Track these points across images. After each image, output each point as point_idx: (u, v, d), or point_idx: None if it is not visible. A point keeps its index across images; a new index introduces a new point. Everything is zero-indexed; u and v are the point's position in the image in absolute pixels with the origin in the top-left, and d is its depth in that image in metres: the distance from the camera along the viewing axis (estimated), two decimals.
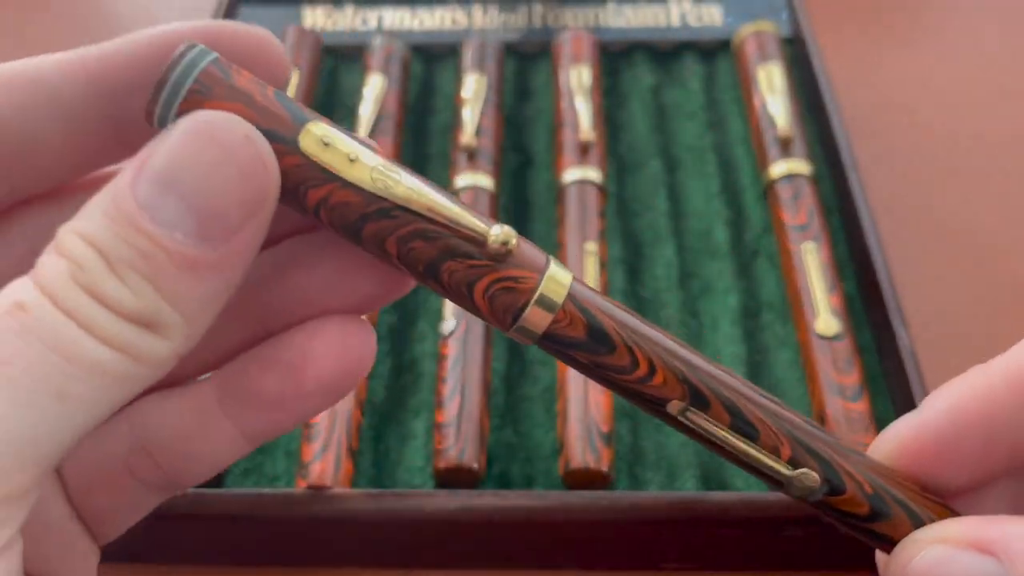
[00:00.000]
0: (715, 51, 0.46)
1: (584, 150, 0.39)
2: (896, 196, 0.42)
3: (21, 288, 0.15)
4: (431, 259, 0.18)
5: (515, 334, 0.18)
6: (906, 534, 0.18)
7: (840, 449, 0.19)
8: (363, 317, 0.19)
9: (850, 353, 0.32)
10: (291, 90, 0.42)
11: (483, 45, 0.44)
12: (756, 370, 0.34)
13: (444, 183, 0.40)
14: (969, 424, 0.18)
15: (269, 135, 0.17)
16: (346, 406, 0.31)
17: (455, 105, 0.42)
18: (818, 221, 0.36)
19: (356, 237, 0.18)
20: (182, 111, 0.17)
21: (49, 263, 0.15)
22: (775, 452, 0.19)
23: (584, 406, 0.31)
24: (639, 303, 0.36)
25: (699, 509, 0.28)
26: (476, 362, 0.32)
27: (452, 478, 0.30)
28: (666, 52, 0.46)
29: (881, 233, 0.37)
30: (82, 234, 0.15)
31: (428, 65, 0.46)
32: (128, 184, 0.15)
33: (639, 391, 0.19)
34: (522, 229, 0.39)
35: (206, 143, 0.16)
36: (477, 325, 0.33)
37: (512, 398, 0.33)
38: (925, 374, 0.32)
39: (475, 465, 0.30)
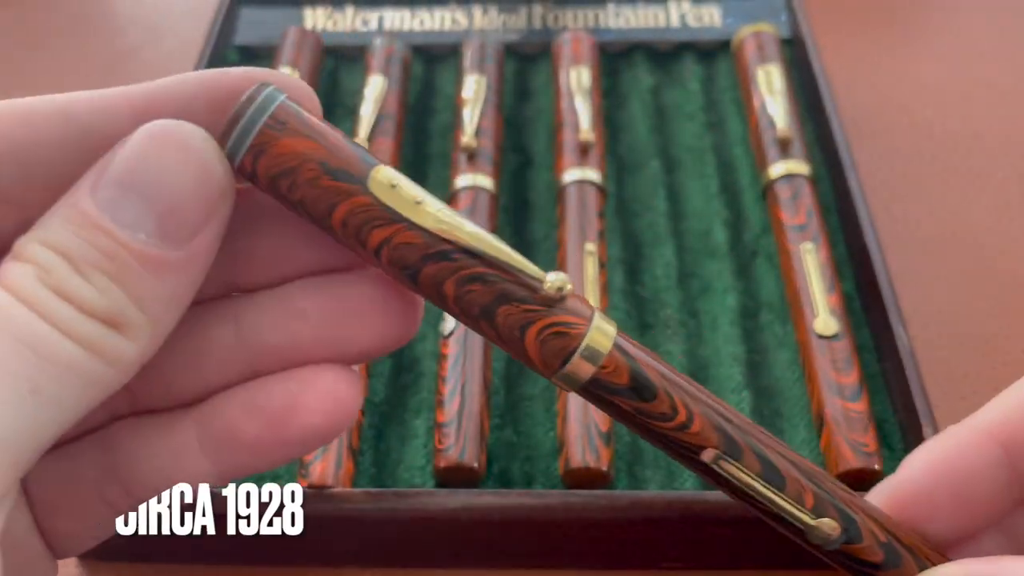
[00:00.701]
0: (714, 52, 0.46)
1: (584, 151, 0.39)
2: (895, 196, 0.42)
3: None
4: (488, 302, 0.18)
5: (559, 380, 0.19)
6: None
7: (854, 499, 0.20)
8: (354, 367, 0.19)
9: (849, 353, 0.32)
10: None
11: (483, 46, 0.44)
12: (755, 370, 0.34)
13: (444, 183, 0.40)
14: (940, 482, 0.19)
15: (340, 175, 0.17)
16: None
17: (455, 106, 0.42)
18: (817, 221, 0.36)
19: (414, 279, 0.18)
20: (255, 146, 0.17)
21: (13, 269, 0.15)
22: (799, 501, 0.19)
23: (584, 405, 0.31)
24: (639, 303, 0.36)
25: (698, 508, 0.28)
26: (476, 361, 0.32)
27: (452, 477, 0.30)
28: (666, 53, 0.46)
29: (880, 233, 0.37)
30: (43, 240, 0.15)
31: (428, 66, 0.46)
32: (87, 189, 0.16)
33: (678, 439, 0.19)
34: (522, 229, 0.39)
35: (165, 146, 0.16)
36: None
37: (512, 397, 0.34)
38: (924, 373, 0.32)
39: (475, 464, 0.30)
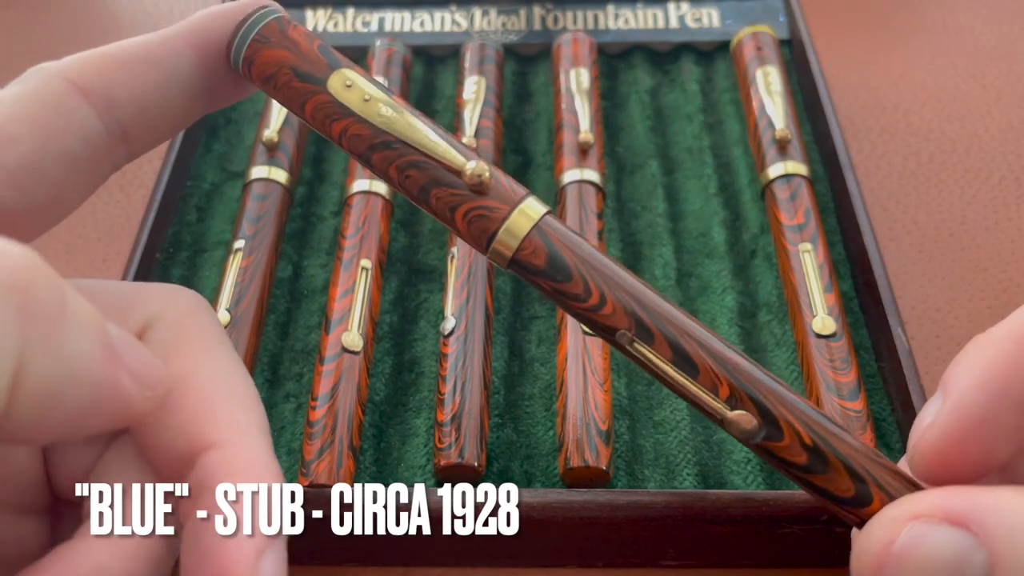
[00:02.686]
0: (713, 53, 0.46)
1: (583, 151, 0.39)
2: (892, 196, 0.42)
3: None
4: (422, 185, 0.21)
5: (491, 257, 0.21)
6: (846, 492, 0.19)
7: (790, 401, 0.20)
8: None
9: (847, 352, 0.33)
10: None
11: (483, 47, 0.44)
12: None
13: None
14: (1005, 392, 0.17)
15: (307, 77, 0.22)
16: (348, 404, 0.31)
17: (455, 106, 0.42)
18: (815, 221, 0.36)
19: (368, 163, 0.22)
20: (247, 57, 0.22)
21: None
22: (713, 391, 0.20)
23: (583, 405, 0.31)
24: None
25: (697, 507, 0.28)
26: (476, 361, 0.32)
27: (453, 476, 0.30)
28: (664, 54, 0.46)
29: (877, 233, 0.37)
30: None
31: (429, 67, 0.46)
32: None
33: (592, 319, 0.21)
34: None
35: None
36: (478, 325, 0.33)
37: (512, 396, 0.34)
38: (921, 373, 0.32)
39: (476, 463, 0.30)
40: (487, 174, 0.21)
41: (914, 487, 0.19)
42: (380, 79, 0.42)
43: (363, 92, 0.22)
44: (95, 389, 0.16)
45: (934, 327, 0.37)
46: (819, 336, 0.33)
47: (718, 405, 0.20)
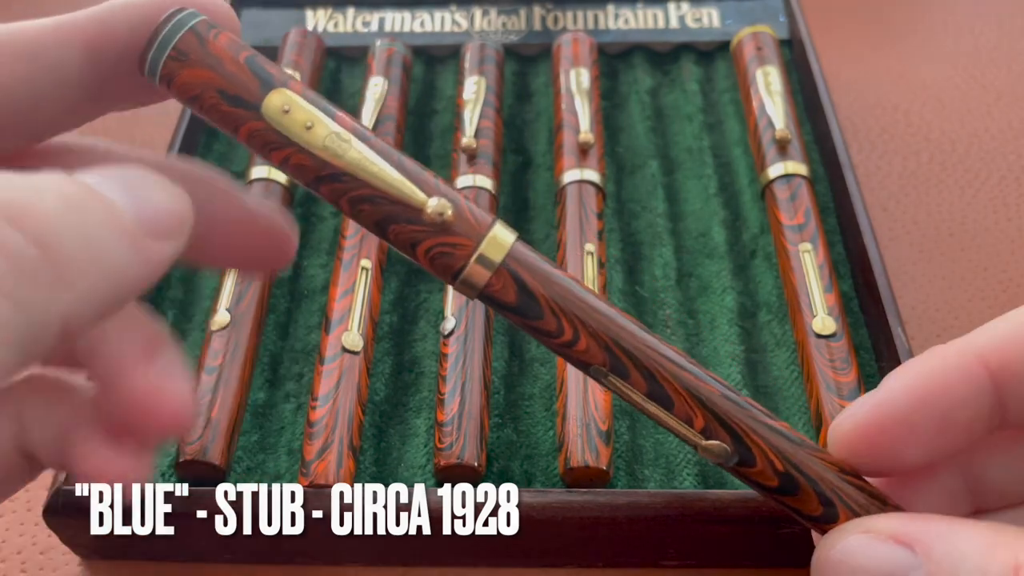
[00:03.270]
0: (713, 53, 0.46)
1: (583, 151, 0.39)
2: (892, 196, 0.42)
3: None
4: (378, 221, 0.20)
5: (459, 289, 0.20)
6: (815, 511, 0.20)
7: (762, 429, 0.20)
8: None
9: (847, 352, 0.33)
10: None
11: (483, 47, 0.44)
12: (753, 369, 0.34)
13: None
14: (927, 402, 0.19)
15: (236, 101, 0.19)
16: (348, 405, 0.31)
17: (456, 107, 0.42)
18: (815, 221, 0.36)
19: (317, 192, 0.20)
20: (164, 76, 0.19)
21: None
22: (688, 422, 0.20)
23: (583, 404, 0.31)
24: (638, 303, 0.37)
25: (697, 507, 0.28)
26: (476, 361, 0.32)
27: (453, 476, 0.30)
28: (664, 54, 0.46)
29: (877, 233, 0.37)
30: None
31: (429, 67, 0.46)
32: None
33: (566, 354, 0.20)
34: (522, 229, 0.39)
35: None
36: (478, 325, 0.33)
37: (512, 396, 0.34)
38: None
39: (476, 463, 0.30)
40: (450, 211, 0.19)
41: (881, 504, 0.20)
42: (380, 79, 0.42)
43: (305, 117, 0.19)
44: (127, 278, 0.16)
45: (934, 327, 0.37)
46: (819, 336, 0.33)
47: (692, 436, 0.20)
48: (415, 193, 0.19)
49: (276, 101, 0.19)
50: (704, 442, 0.20)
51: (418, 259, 0.20)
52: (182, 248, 0.18)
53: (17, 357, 0.15)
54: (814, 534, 0.21)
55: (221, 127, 0.20)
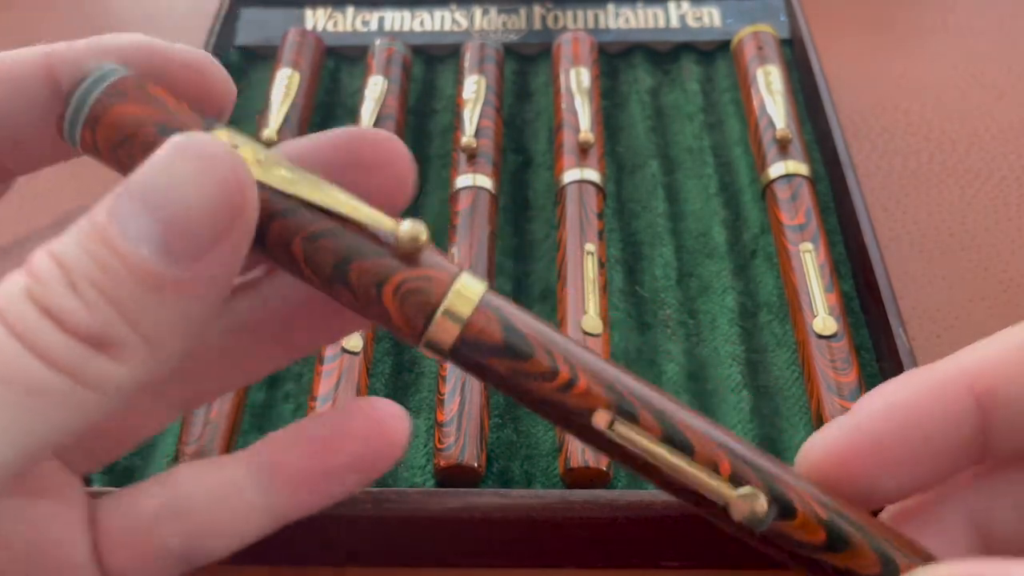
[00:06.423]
0: (714, 53, 0.46)
1: (583, 151, 0.39)
2: (893, 196, 0.42)
3: None
4: (339, 259, 0.17)
5: (426, 347, 0.17)
6: (871, 570, 0.17)
7: (785, 468, 0.17)
8: (400, 407, 0.19)
9: (848, 352, 0.32)
10: (293, 92, 0.42)
11: (483, 47, 0.44)
12: (754, 370, 0.34)
13: (444, 184, 0.40)
14: (907, 425, 0.17)
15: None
16: None
17: (455, 106, 0.42)
18: (816, 221, 0.36)
19: (263, 241, 0.17)
20: (91, 118, 0.17)
21: (10, 278, 0.15)
22: (713, 467, 0.17)
23: None
24: (638, 303, 0.36)
25: None
26: None
27: (453, 477, 0.30)
28: (665, 54, 0.46)
29: (878, 233, 0.37)
30: (51, 251, 0.15)
31: (429, 66, 0.46)
32: (108, 200, 0.15)
33: (563, 402, 0.17)
34: (522, 229, 0.39)
35: (181, 159, 0.15)
36: None
37: None
38: None
39: (476, 464, 0.30)
40: (424, 235, 0.17)
41: (915, 545, 0.17)
42: (380, 78, 0.42)
43: (256, 155, 0.17)
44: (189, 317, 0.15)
45: (935, 327, 0.37)
46: (820, 336, 0.33)
47: (719, 486, 0.17)
48: (384, 220, 0.17)
49: (223, 138, 0.17)
50: (736, 492, 0.17)
51: (384, 304, 0.17)
52: (246, 245, 0.16)
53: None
54: None
55: None
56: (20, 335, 0.14)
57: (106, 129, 0.17)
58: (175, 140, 0.15)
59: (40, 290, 0.14)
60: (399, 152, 0.19)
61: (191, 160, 0.15)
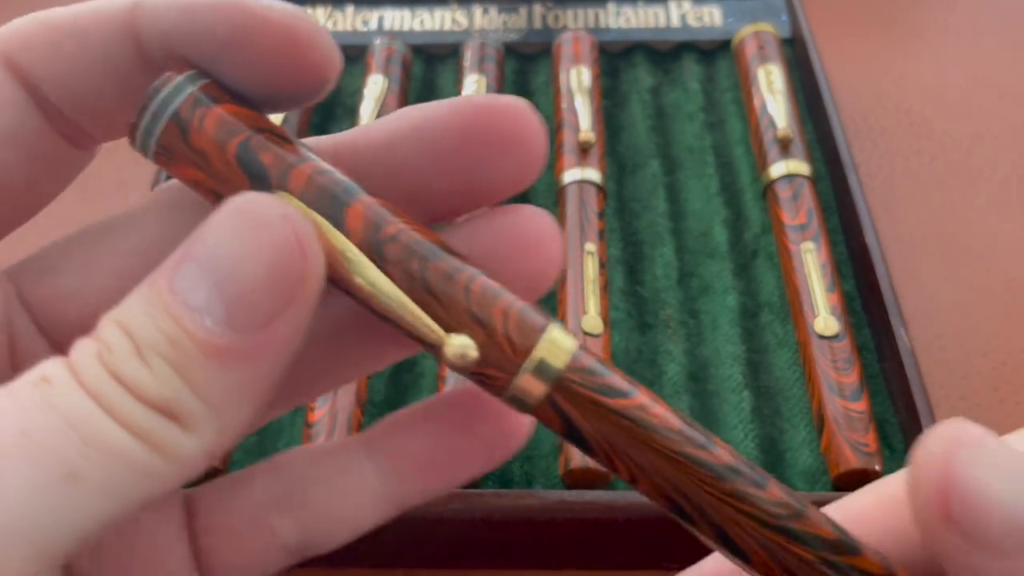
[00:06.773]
0: (715, 52, 0.46)
1: (584, 150, 0.39)
2: (895, 196, 0.42)
3: (51, 364, 0.14)
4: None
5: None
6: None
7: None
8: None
9: (849, 353, 0.32)
10: None
11: (483, 46, 0.44)
12: (755, 370, 0.34)
13: None
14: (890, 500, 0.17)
15: (220, 199, 0.15)
16: (346, 405, 0.31)
17: None
18: (817, 221, 0.36)
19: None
20: (159, 160, 0.16)
21: (81, 343, 0.14)
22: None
23: None
24: (639, 302, 0.36)
25: None
26: None
27: None
28: (666, 53, 0.46)
29: (880, 233, 0.37)
30: (117, 317, 0.14)
31: (429, 65, 0.46)
32: (169, 267, 0.15)
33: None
34: None
35: (243, 226, 0.14)
36: None
37: None
38: (924, 373, 0.32)
39: None
40: (473, 352, 0.16)
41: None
42: (380, 77, 0.42)
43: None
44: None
45: (936, 327, 0.37)
46: (821, 336, 0.33)
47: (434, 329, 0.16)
48: (431, 329, 0.16)
49: (290, 201, 0.16)
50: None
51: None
52: (311, 310, 0.15)
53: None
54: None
55: None
56: (99, 398, 0.14)
57: (181, 154, 0.16)
58: (235, 204, 0.15)
59: (110, 358, 0.14)
60: (535, 127, 0.17)
61: (252, 228, 0.14)
